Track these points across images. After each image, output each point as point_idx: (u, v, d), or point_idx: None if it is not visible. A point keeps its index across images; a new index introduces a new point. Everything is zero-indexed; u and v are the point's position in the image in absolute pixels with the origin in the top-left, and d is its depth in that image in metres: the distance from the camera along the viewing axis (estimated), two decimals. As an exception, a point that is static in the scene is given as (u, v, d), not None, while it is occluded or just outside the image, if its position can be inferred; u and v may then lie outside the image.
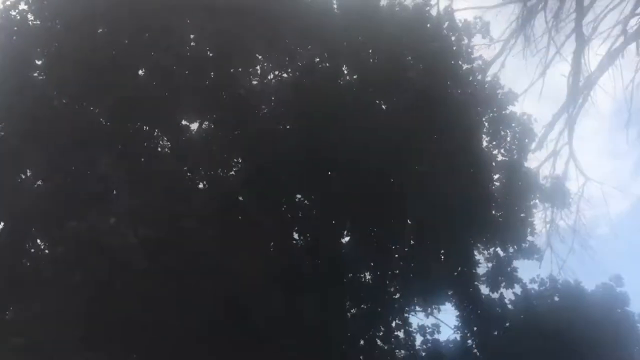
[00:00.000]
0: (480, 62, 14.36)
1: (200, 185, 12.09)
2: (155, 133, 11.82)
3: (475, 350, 12.38)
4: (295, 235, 12.66)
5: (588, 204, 14.60)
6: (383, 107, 12.86)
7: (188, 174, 11.85)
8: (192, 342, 9.61)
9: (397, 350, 12.99)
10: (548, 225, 13.55)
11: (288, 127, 12.54)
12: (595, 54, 17.38)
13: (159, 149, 11.98)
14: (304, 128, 12.06)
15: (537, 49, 17.95)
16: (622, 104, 17.96)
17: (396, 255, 13.51)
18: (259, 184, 11.45)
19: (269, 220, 10.80)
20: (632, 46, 16.36)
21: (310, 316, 10.81)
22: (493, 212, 12.53)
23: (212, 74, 12.05)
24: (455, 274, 12.85)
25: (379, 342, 12.98)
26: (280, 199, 11.70)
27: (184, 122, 12.15)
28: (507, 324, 11.99)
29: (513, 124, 14.22)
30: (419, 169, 11.74)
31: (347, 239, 13.11)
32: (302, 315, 10.87)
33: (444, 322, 13.06)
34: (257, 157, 11.50)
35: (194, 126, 12.50)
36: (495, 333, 12.08)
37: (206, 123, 12.54)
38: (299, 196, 12.53)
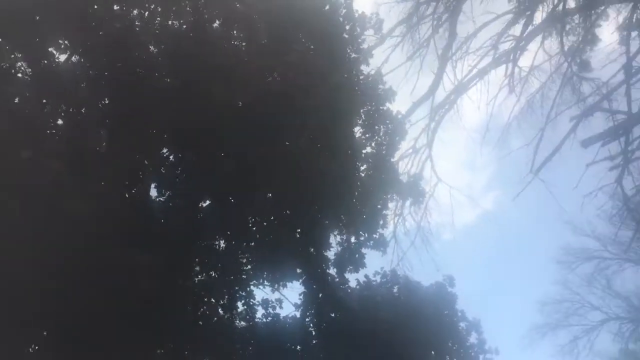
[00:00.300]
0: (367, 55, 14.68)
1: (60, 122, 11.35)
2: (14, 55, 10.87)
3: (312, 329, 12.72)
4: (154, 190, 12.31)
5: (436, 204, 15.39)
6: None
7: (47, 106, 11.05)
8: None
9: (237, 321, 13.05)
10: (397, 218, 14.17)
11: (167, 79, 12.06)
12: (469, 65, 18.27)
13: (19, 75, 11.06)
14: (182, 84, 11.64)
15: (420, 53, 18.62)
16: (485, 119, 19.22)
17: (253, 228, 13.56)
18: (123, 131, 10.92)
19: (124, 168, 10.29)
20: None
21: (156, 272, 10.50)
22: (354, 200, 12.85)
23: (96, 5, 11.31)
24: (307, 253, 13.07)
25: (220, 310, 12.99)
26: (140, 149, 11.16)
27: (51, 50, 11.31)
28: (346, 308, 12.39)
29: (387, 121, 14.70)
30: (287, 145, 11.75)
31: (207, 203, 12.94)
32: (149, 271, 10.53)
33: (287, 298, 13.24)
34: (124, 102, 10.94)
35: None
36: (333, 315, 12.46)
37: (77, 56, 11.77)
38: (164, 150, 12.07)
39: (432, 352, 12.37)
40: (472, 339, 12.71)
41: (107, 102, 11.68)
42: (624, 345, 31.21)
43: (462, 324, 12.69)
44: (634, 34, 10.94)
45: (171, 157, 12.75)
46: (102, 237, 9.36)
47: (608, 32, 14.08)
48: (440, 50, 18.39)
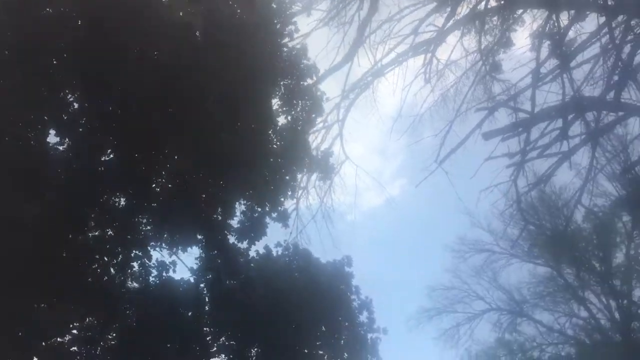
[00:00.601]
0: (293, 28, 14.51)
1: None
2: None
3: (205, 295, 12.61)
4: (53, 137, 11.60)
5: (343, 184, 15.53)
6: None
7: None
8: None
9: (130, 282, 12.68)
10: (300, 192, 14.23)
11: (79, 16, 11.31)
12: (389, 48, 18.27)
13: None
14: (98, 29, 10.98)
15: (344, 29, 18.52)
16: (399, 106, 19.43)
17: (157, 189, 13.18)
18: (26, 66, 10.17)
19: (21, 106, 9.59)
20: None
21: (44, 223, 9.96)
22: (263, 170, 12.74)
23: None
24: (210, 219, 12.88)
25: (112, 270, 12.56)
26: (39, 88, 10.43)
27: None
28: (243, 276, 12.38)
29: (306, 97, 14.66)
30: (200, 106, 11.41)
31: (110, 157, 12.39)
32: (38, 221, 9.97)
33: (184, 263, 13.01)
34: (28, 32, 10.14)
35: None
36: (229, 282, 12.41)
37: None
38: (67, 91, 11.36)
39: (323, 328, 12.64)
40: (363, 317, 13.10)
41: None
42: (500, 335, 33.48)
43: (355, 303, 13.01)
44: (545, 42, 11.49)
45: (76, 104, 12.08)
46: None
47: (522, 37, 14.79)
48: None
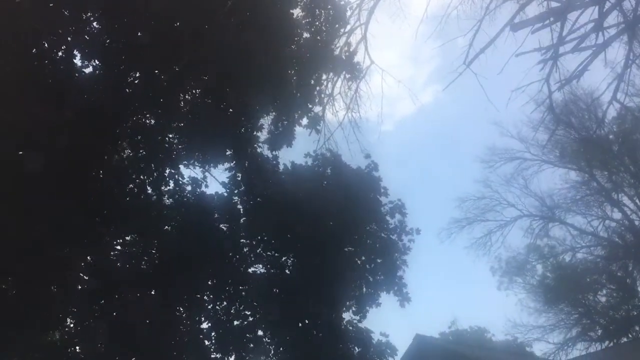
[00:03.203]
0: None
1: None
2: None
3: (239, 207, 12.94)
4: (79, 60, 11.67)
5: (370, 92, 15.17)
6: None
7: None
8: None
9: (165, 198, 13.06)
10: (326, 99, 14.07)
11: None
12: None
13: None
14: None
15: None
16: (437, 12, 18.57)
17: (185, 107, 13.27)
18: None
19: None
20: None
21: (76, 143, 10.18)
22: (289, 80, 12.62)
23: None
24: (239, 133, 13.01)
25: (149, 188, 12.93)
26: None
27: None
28: (275, 186, 12.58)
29: (329, 6, 14.31)
30: (220, 20, 11.25)
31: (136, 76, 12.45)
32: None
33: (216, 179, 13.29)
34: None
35: None
36: (262, 193, 12.64)
37: None
38: (88, 12, 11.29)
39: (354, 234, 12.92)
40: (395, 220, 13.30)
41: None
42: (532, 240, 33.79)
43: (386, 206, 13.16)
44: None
45: (97, 25, 12.04)
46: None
47: None
48: None
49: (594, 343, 31.85)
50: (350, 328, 12.48)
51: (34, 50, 10.09)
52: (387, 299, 13.12)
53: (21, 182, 9.42)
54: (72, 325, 11.70)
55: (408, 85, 44.77)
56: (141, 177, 12.76)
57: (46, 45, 10.49)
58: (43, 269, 10.05)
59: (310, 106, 13.15)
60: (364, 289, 13.08)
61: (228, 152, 13.26)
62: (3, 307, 9.65)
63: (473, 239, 34.64)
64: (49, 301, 10.45)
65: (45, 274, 10.20)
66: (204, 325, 12.40)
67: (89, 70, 11.94)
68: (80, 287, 11.52)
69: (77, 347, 11.45)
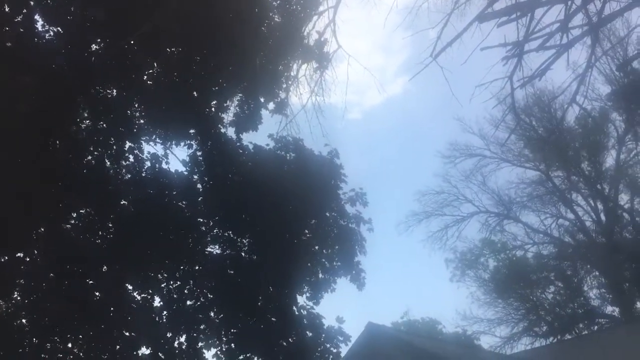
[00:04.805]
0: None
1: None
2: None
3: (199, 185, 12.82)
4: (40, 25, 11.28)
5: (334, 73, 15.00)
6: None
7: None
8: None
9: (124, 173, 12.84)
10: (290, 82, 13.94)
11: None
12: None
13: None
14: None
15: None
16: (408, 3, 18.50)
17: (149, 81, 13.03)
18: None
19: None
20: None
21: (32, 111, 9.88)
22: (257, 62, 12.50)
23: None
24: (204, 113, 12.86)
25: (107, 161, 12.68)
26: None
27: None
28: (235, 167, 12.52)
29: (302, -10, 14.14)
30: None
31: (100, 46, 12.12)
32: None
33: (177, 157, 13.12)
34: None
35: None
36: (222, 173, 12.53)
37: None
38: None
39: (313, 220, 12.96)
40: (354, 210, 13.40)
41: None
42: (487, 235, 34.67)
43: (346, 195, 13.23)
44: None
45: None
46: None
47: None
48: None
49: (538, 338, 32.99)
50: (304, 313, 12.55)
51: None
52: (342, 287, 13.26)
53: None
54: (19, 298, 11.45)
55: (377, 75, 44.86)
56: (100, 149, 12.50)
57: (7, 8, 10.09)
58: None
59: (277, 91, 13.04)
60: (320, 275, 13.15)
61: (191, 131, 13.11)
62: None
63: (430, 232, 35.40)
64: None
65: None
66: (156, 304, 12.32)
67: (49, 36, 11.63)
68: (29, 259, 11.27)
69: (24, 320, 11.21)
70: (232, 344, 12.06)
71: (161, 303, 12.33)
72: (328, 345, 12.24)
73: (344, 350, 13.41)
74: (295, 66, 14.04)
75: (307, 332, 12.32)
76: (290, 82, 13.83)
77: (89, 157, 12.42)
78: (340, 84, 19.57)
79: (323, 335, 12.31)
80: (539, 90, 27.76)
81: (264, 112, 13.39)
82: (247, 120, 13.02)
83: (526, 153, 33.91)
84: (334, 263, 13.26)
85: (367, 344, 19.01)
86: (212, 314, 12.47)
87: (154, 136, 13.39)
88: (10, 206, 9.77)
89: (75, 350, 11.20)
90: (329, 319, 12.63)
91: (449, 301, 70.31)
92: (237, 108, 13.18)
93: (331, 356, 12.24)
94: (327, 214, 13.01)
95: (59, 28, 11.50)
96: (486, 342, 34.38)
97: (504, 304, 34.22)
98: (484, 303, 34.29)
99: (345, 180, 13.12)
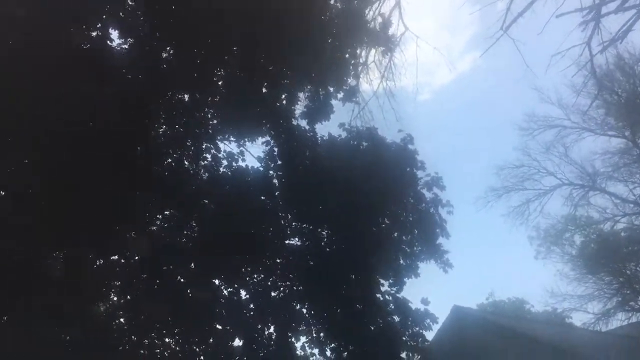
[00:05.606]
0: None
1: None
2: None
3: (275, 180, 13.03)
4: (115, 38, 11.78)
5: (403, 57, 14.87)
6: None
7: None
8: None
9: (203, 173, 13.24)
10: (360, 68, 13.84)
11: None
12: None
13: None
14: None
15: None
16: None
17: (219, 82, 13.32)
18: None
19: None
20: None
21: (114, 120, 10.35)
22: (322, 51, 12.46)
23: None
24: (275, 107, 13.01)
25: (186, 162, 13.11)
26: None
27: None
28: (311, 160, 12.59)
29: (362, -27, 13.99)
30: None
31: (170, 53, 12.51)
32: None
33: (252, 154, 13.38)
34: None
35: None
36: (298, 166, 12.68)
37: None
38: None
39: (391, 206, 12.89)
40: (431, 194, 13.23)
41: None
42: (572, 209, 33.18)
43: (422, 179, 13.08)
44: None
45: (133, 2, 12.10)
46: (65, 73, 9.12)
47: None
48: None
49: (635, 313, 31.35)
50: (389, 298, 12.54)
51: (71, 29, 10.20)
52: (424, 271, 13.15)
53: (69, 156, 9.68)
54: (115, 299, 12.06)
55: (445, 53, 43.90)
56: (178, 151, 12.95)
57: (83, 25, 10.59)
58: (88, 242, 10.36)
59: (345, 79, 12.99)
60: (401, 261, 13.09)
61: (264, 127, 13.31)
62: (51, 277, 10.01)
63: (511, 208, 34.23)
64: (93, 274, 10.78)
65: (90, 248, 10.52)
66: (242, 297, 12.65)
67: (124, 47, 12.11)
68: (123, 261, 11.83)
69: (122, 319, 11.80)
70: (321, 333, 12.23)
71: (247, 296, 12.66)
72: (417, 329, 12.19)
73: (430, 335, 13.33)
74: (363, 52, 13.95)
75: (394, 317, 12.32)
76: (359, 69, 13.73)
77: (169, 160, 12.88)
78: (409, 66, 19.28)
79: (410, 318, 12.26)
80: (620, 54, 26.19)
81: (334, 102, 13.40)
82: (318, 111, 13.05)
83: (609, 121, 32.09)
84: (415, 248, 13.17)
85: (454, 328, 18.78)
86: (297, 304, 12.68)
87: (228, 135, 13.72)
88: (103, 212, 10.27)
89: (173, 345, 11.69)
90: (415, 303, 12.61)
91: (535, 279, 68.01)
92: (307, 100, 13.25)
93: (420, 338, 12.20)
94: (405, 201, 12.89)
95: (131, 38, 11.94)
96: (578, 319, 33.15)
97: (595, 279, 32.68)
98: (573, 279, 32.88)
99: (421, 167, 12.96)
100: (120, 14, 11.58)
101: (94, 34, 11.00)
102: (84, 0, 9.96)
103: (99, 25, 10.96)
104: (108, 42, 11.26)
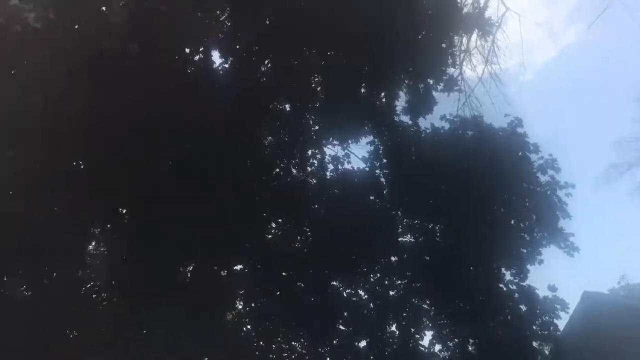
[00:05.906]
0: None
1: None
2: None
3: (382, 179, 12.98)
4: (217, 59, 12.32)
5: (508, 40, 14.22)
6: None
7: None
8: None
9: (310, 179, 13.48)
10: (462, 55, 13.40)
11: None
12: None
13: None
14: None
15: None
16: None
17: (318, 88, 13.51)
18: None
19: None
20: None
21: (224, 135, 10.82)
22: (418, 43, 12.26)
23: None
24: (375, 106, 13.00)
25: (293, 170, 13.42)
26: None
27: None
28: (418, 154, 12.42)
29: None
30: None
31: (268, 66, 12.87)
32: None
33: (356, 155, 13.44)
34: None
35: None
36: (405, 162, 12.56)
37: None
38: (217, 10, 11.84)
39: (504, 194, 12.42)
40: (547, 177, 12.62)
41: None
42: None
43: (536, 162, 12.49)
44: None
45: (228, 23, 12.59)
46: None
47: None
48: None
49: None
50: (512, 287, 12.10)
51: (176, 57, 10.80)
52: (548, 258, 12.55)
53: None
54: (240, 307, 12.55)
55: (548, 29, 41.55)
56: (285, 160, 13.27)
57: (187, 49, 11.17)
58: (214, 255, 10.91)
59: (444, 69, 12.69)
60: (521, 249, 12.58)
61: (366, 127, 13.32)
62: (184, 291, 10.64)
63: (636, 184, 31.72)
64: (221, 285, 11.32)
65: (216, 261, 11.07)
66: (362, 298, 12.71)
67: (226, 66, 12.61)
68: (247, 270, 12.28)
69: (249, 326, 12.25)
70: (446, 329, 12.03)
71: (366, 296, 12.71)
72: (546, 318, 11.66)
73: (561, 324, 12.69)
74: (464, 39, 13.56)
75: (521, 307, 11.87)
76: (461, 56, 13.35)
77: (277, 170, 13.23)
78: (511, 46, 18.34)
79: (538, 307, 11.75)
80: None
81: (437, 95, 13.12)
82: (420, 105, 12.83)
83: None
84: (534, 234, 12.62)
85: (586, 316, 17.66)
86: (417, 301, 12.55)
87: (332, 139, 13.88)
88: (223, 227, 10.76)
89: (299, 348, 11.98)
90: (542, 290, 12.08)
91: (671, 258, 62.35)
92: (407, 95, 13.08)
93: (552, 327, 11.66)
94: (518, 186, 12.37)
95: (231, 57, 12.41)
96: None
97: None
98: None
99: (534, 150, 12.40)
100: (219, 34, 12.08)
101: (196, 57, 11.54)
102: (186, 26, 10.44)
103: (201, 48, 11.48)
104: (210, 63, 11.75)
